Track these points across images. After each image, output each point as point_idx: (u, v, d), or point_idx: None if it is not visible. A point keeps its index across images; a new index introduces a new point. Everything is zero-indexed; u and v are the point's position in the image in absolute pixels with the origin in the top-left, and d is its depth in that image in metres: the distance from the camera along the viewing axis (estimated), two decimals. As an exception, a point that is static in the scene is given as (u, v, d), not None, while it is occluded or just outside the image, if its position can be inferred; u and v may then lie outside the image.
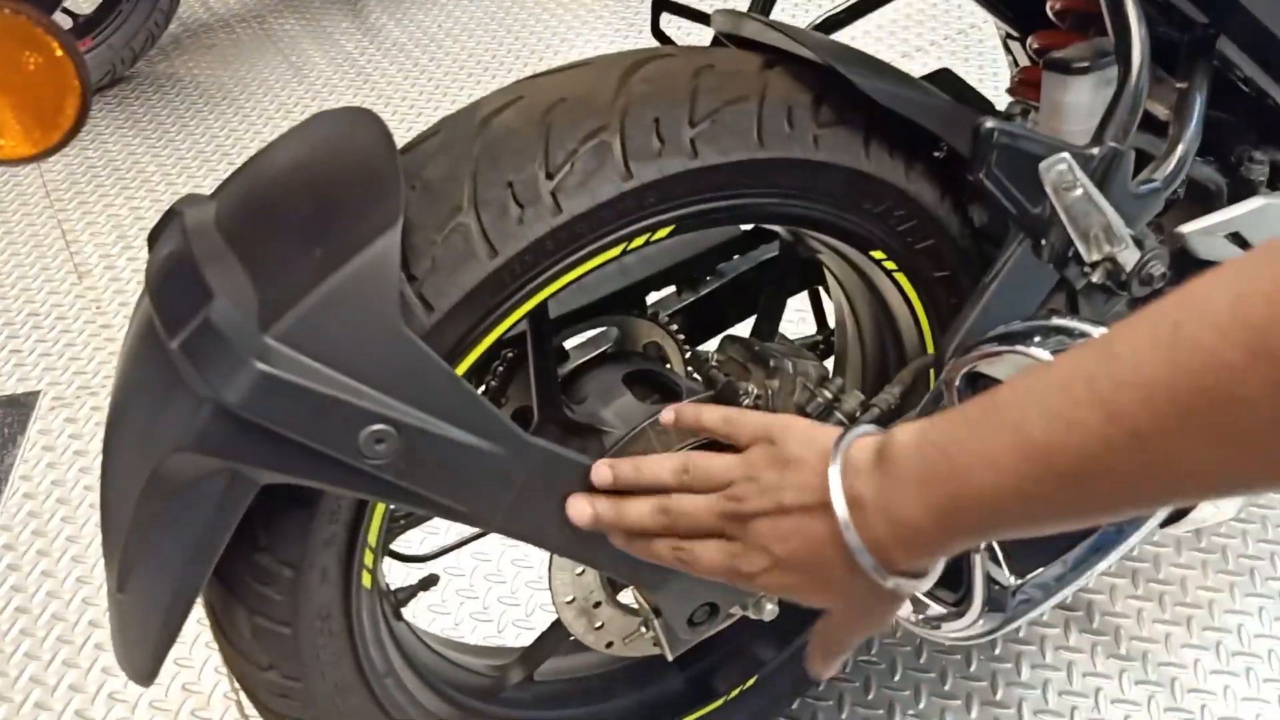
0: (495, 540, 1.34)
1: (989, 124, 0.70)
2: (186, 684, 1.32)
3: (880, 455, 0.55)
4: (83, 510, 1.57)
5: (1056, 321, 0.69)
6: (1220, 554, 1.33)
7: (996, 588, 0.70)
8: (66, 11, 2.52)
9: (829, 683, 1.24)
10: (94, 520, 1.55)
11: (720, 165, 0.76)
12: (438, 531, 1.37)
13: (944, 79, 1.14)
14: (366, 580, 0.80)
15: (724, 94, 0.76)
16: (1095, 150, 0.71)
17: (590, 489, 0.69)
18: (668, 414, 0.74)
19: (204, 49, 2.71)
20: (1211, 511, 0.82)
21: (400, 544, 0.99)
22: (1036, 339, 0.67)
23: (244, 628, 0.78)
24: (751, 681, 1.11)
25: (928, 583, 0.58)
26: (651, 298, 1.08)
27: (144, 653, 0.72)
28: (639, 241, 0.77)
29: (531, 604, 1.36)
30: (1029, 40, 1.02)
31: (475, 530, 1.12)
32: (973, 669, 1.24)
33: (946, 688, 1.22)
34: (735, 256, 1.10)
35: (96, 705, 1.31)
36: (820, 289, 1.17)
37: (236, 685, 1.25)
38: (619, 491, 0.68)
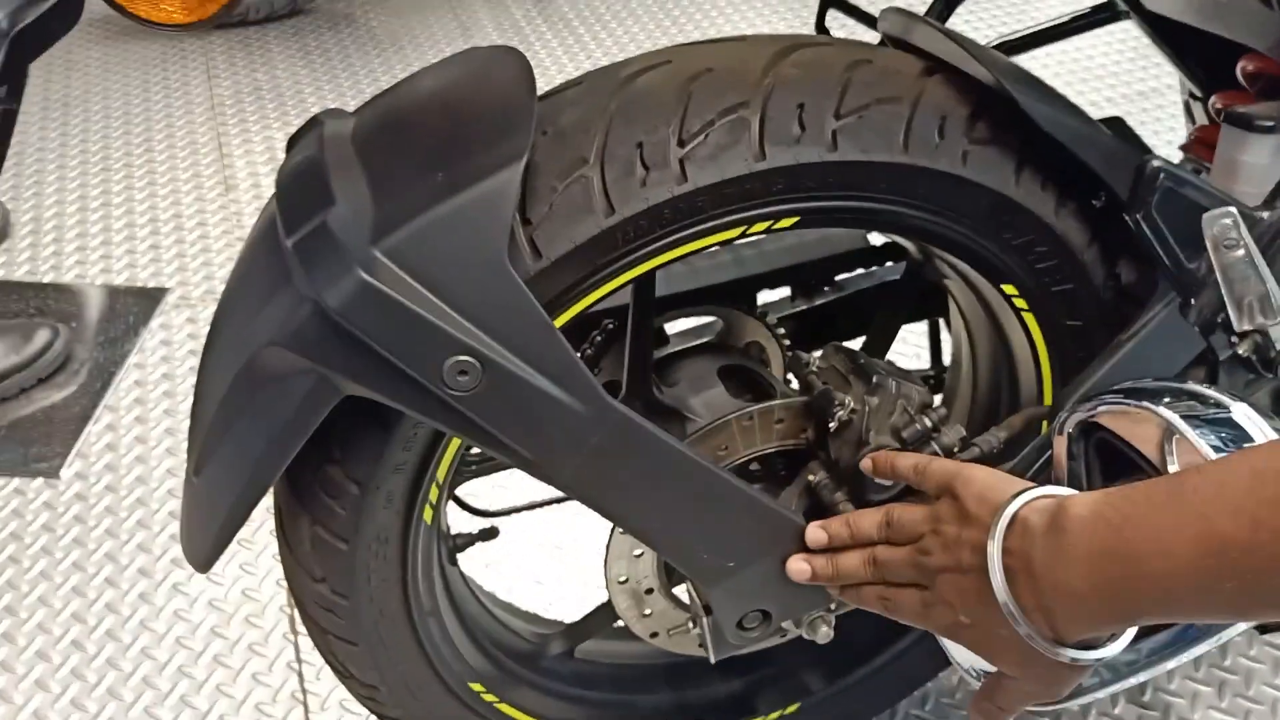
0: (560, 515, 1.34)
1: (1155, 163, 0.65)
2: (247, 589, 1.35)
3: (1054, 522, 0.55)
4: (186, 406, 1.63)
5: (1191, 386, 0.64)
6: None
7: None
8: (261, -59, 2.64)
9: (874, 729, 1.19)
10: (194, 418, 1.61)
11: (859, 163, 0.73)
12: (507, 487, 1.38)
13: (1115, 126, 1.08)
14: (428, 515, 0.80)
15: (876, 91, 0.73)
16: (1266, 214, 0.65)
17: (662, 475, 0.70)
18: (866, 462, 0.77)
19: (382, -4, 2.80)
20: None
21: (469, 496, 0.99)
22: (1167, 399, 0.62)
23: (305, 536, 0.78)
24: (793, 709, 1.08)
25: (1107, 653, 0.55)
26: (764, 299, 1.05)
27: (206, 539, 0.73)
28: (760, 227, 0.75)
29: (586, 587, 1.34)
30: (1211, 100, 0.95)
31: (545, 495, 1.12)
32: (1026, 743, 1.17)
33: (996, 759, 1.16)
34: (858, 270, 1.06)
35: (160, 592, 1.36)
36: (940, 321, 1.13)
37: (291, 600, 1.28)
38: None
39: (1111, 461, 0.64)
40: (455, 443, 0.77)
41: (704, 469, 0.71)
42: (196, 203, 2.08)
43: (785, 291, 1.08)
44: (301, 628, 1.29)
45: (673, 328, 1.04)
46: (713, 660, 0.85)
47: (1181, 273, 0.67)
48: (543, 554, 1.38)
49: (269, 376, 0.66)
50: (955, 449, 0.80)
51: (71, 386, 1.67)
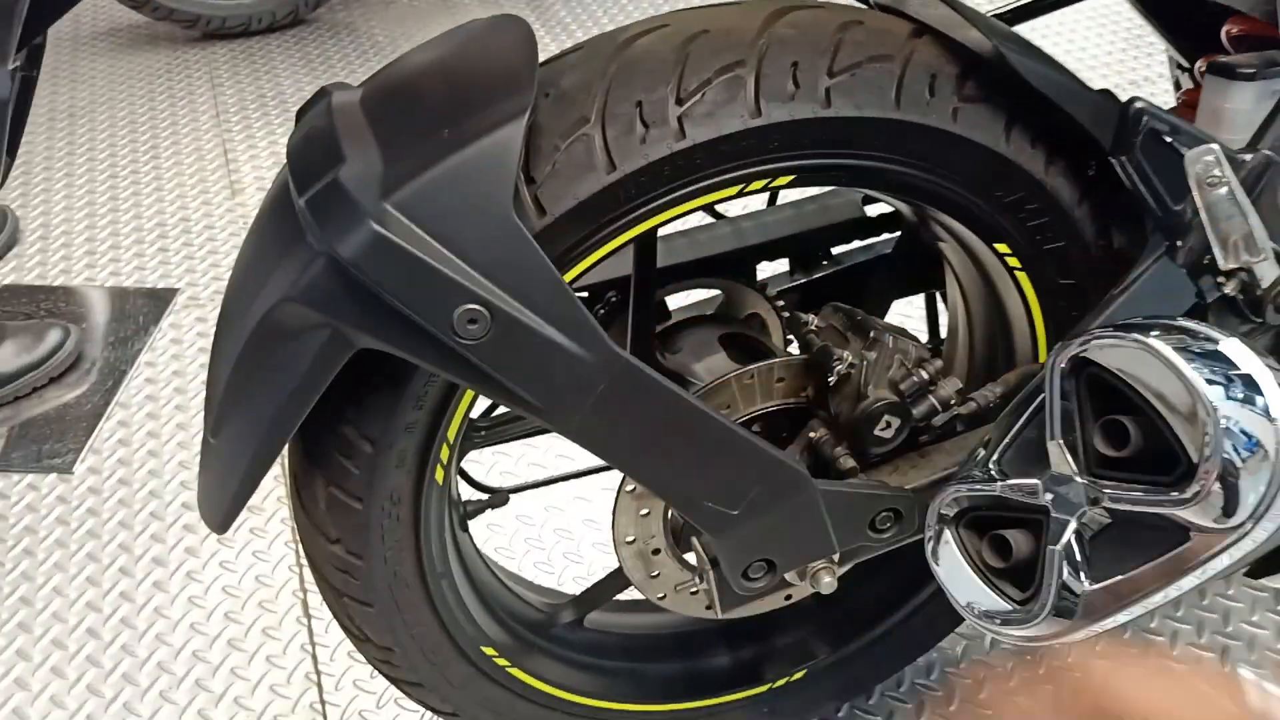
0: (566, 492, 1.36)
1: (1139, 104, 0.67)
2: (260, 575, 1.37)
3: None
4: (196, 402, 1.65)
5: (1182, 322, 0.66)
6: (1326, 648, 1.23)
7: (1068, 593, 0.67)
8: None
9: (880, 699, 1.20)
10: (204, 413, 1.63)
11: (852, 119, 0.75)
12: (510, 455, 1.40)
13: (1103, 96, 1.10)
14: (439, 475, 0.82)
15: (868, 50, 0.76)
16: (1249, 156, 0.67)
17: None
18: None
19: (383, 4, 2.84)
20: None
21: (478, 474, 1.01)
22: (1156, 333, 0.64)
23: (320, 497, 0.80)
24: (800, 674, 1.09)
25: None
26: (765, 274, 1.07)
27: (224, 500, 0.75)
28: (757, 185, 0.77)
29: (594, 564, 1.36)
30: (1197, 64, 0.97)
31: (549, 474, 1.14)
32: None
33: (1004, 727, 1.17)
34: (855, 243, 1.08)
35: (174, 580, 1.37)
36: (937, 296, 1.15)
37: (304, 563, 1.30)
38: None
39: (1103, 400, 0.66)
40: (465, 402, 0.79)
41: (709, 417, 0.73)
42: (203, 207, 2.11)
43: (785, 266, 1.10)
44: (315, 612, 1.31)
45: (676, 303, 1.06)
46: (719, 614, 0.87)
47: (1167, 214, 0.69)
48: (551, 537, 1.40)
49: (283, 334, 0.68)
50: (952, 401, 0.82)
51: (83, 385, 1.69)
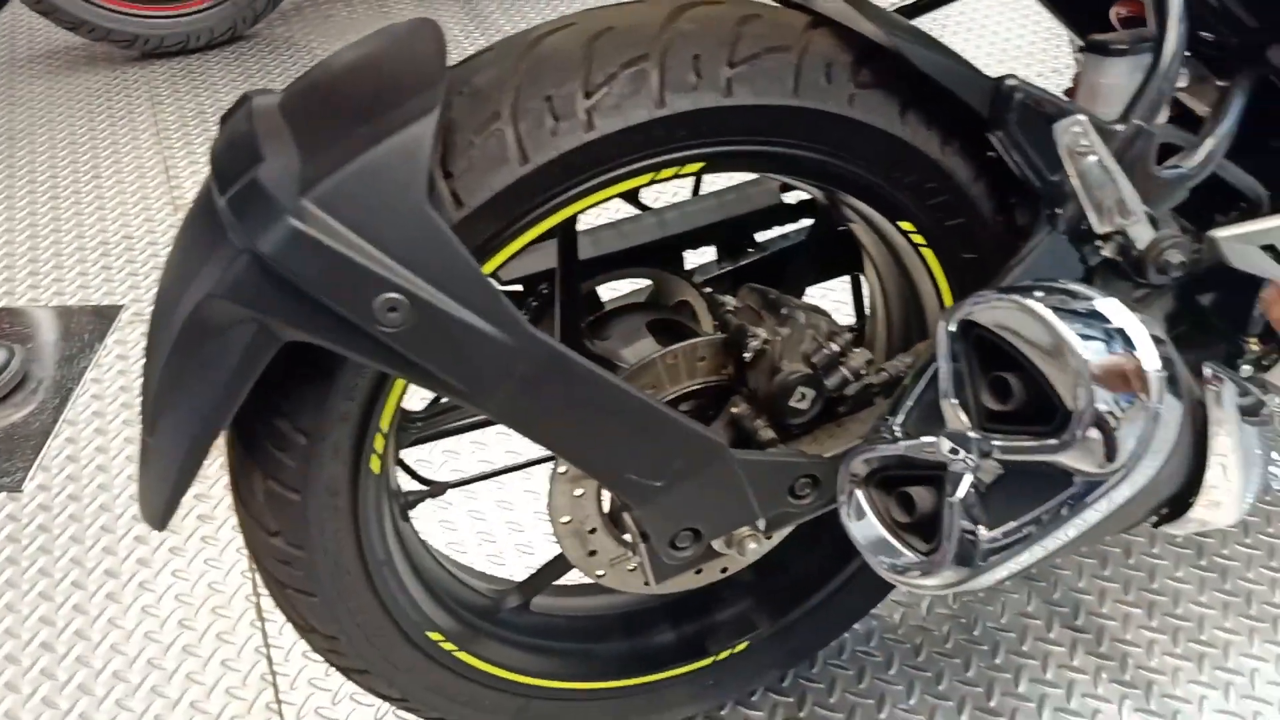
0: (517, 486, 1.38)
1: (1010, 81, 0.72)
2: (213, 582, 1.38)
3: None
4: (144, 416, 1.66)
5: (1064, 284, 0.71)
6: (1245, 598, 1.30)
7: (969, 539, 0.71)
8: (199, -32, 2.68)
9: (822, 667, 1.24)
10: (153, 427, 1.64)
11: (753, 107, 0.79)
12: (459, 454, 1.42)
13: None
14: (375, 465, 0.85)
15: (766, 42, 0.80)
16: (1121, 127, 0.72)
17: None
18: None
19: (321, 18, 2.85)
20: (1206, 514, 0.81)
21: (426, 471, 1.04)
22: (1036, 294, 0.68)
23: (258, 490, 0.83)
24: (742, 646, 1.13)
25: None
26: (694, 263, 1.11)
27: (160, 496, 0.77)
28: (667, 173, 0.81)
29: (547, 555, 1.39)
30: (1086, 42, 1.03)
31: (495, 466, 1.17)
32: (969, 674, 1.23)
33: (940, 688, 1.21)
34: (776, 230, 1.13)
35: (127, 591, 1.39)
36: (862, 279, 1.19)
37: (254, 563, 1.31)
38: None
39: (990, 358, 0.71)
40: (396, 392, 0.82)
41: (626, 393, 0.77)
42: (146, 224, 2.12)
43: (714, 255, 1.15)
44: (269, 615, 1.33)
45: (609, 294, 1.10)
46: (653, 585, 0.90)
47: (1046, 186, 0.73)
48: (496, 512, 1.43)
49: (210, 330, 0.70)
50: (862, 371, 0.87)
51: (31, 405, 1.70)
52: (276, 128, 0.72)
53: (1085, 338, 0.67)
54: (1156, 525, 0.85)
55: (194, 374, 0.73)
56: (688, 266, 1.11)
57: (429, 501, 1.04)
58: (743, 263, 1.13)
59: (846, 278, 1.17)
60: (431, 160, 0.73)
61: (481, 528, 1.43)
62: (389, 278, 0.67)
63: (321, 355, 0.74)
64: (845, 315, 1.20)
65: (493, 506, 1.45)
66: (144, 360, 0.79)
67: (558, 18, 0.82)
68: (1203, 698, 1.19)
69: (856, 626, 1.26)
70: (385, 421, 0.83)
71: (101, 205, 2.18)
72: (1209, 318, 1.02)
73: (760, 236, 1.15)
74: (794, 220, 1.11)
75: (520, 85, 0.76)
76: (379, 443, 0.84)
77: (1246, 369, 1.02)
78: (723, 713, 1.20)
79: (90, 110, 2.51)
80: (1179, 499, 0.82)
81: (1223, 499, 0.80)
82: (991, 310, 0.69)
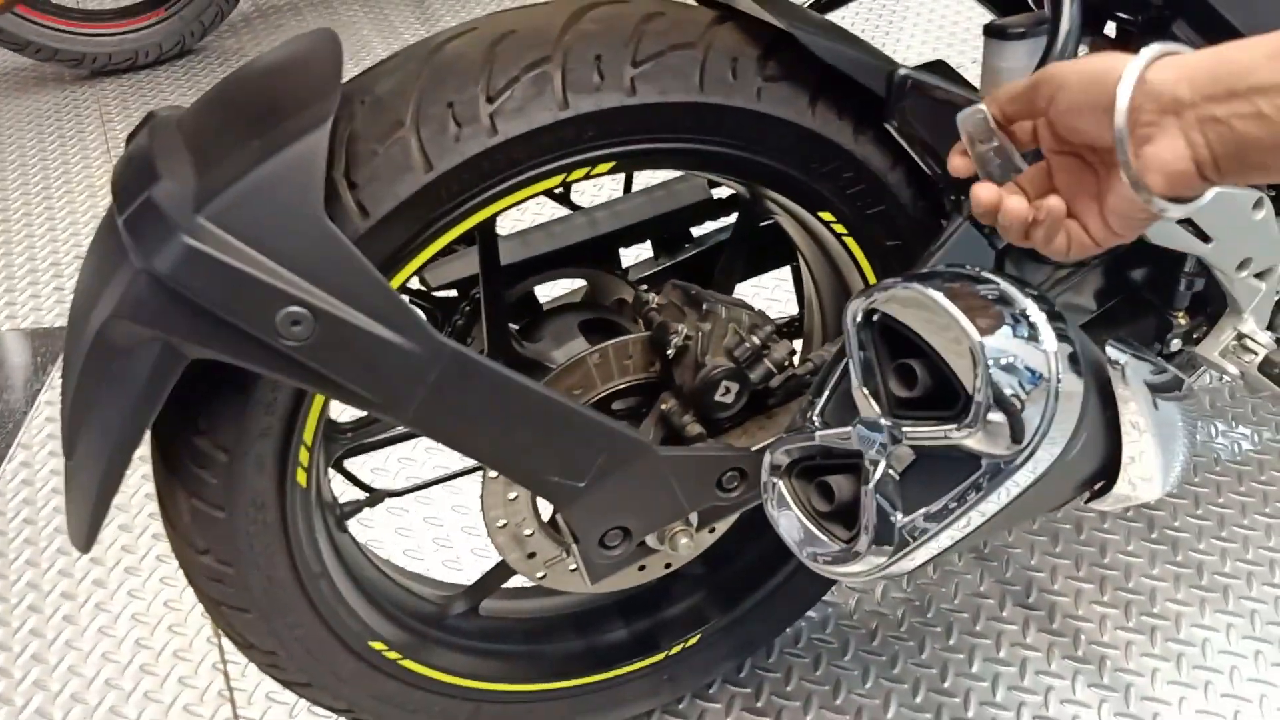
0: (474, 490, 1.38)
1: (903, 72, 0.72)
2: (169, 600, 1.38)
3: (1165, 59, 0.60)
4: (98, 437, 1.65)
5: (967, 270, 0.71)
6: (1196, 569, 1.31)
7: (886, 525, 0.72)
8: (144, -19, 2.67)
9: (779, 655, 1.25)
10: (108, 447, 1.63)
11: (659, 104, 0.79)
12: (414, 462, 1.42)
13: (938, 69, 1.16)
14: (301, 478, 0.84)
15: (670, 39, 0.80)
16: (1017, 109, 0.72)
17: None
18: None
19: (271, 29, 2.84)
20: (1130, 490, 0.82)
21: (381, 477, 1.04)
22: (935, 280, 0.69)
23: (184, 509, 0.83)
24: (695, 639, 1.13)
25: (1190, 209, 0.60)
26: (631, 260, 1.11)
27: (83, 518, 0.77)
28: (579, 174, 0.81)
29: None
30: (985, 28, 1.03)
31: (435, 475, 1.17)
32: (924, 656, 1.24)
33: (895, 671, 1.22)
34: (709, 225, 1.13)
35: (83, 613, 1.38)
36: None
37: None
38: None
39: (896, 346, 0.71)
40: (318, 404, 0.82)
41: (540, 395, 0.77)
42: (99, 243, 2.10)
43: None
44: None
45: (549, 295, 1.10)
46: (590, 585, 0.90)
47: (945, 174, 0.74)
48: (451, 517, 1.43)
49: (116, 350, 0.70)
50: (786, 363, 0.87)
51: (-17, 430, 1.68)
52: (174, 144, 0.72)
53: (979, 319, 0.67)
54: (1088, 502, 0.86)
55: (104, 395, 0.72)
56: (626, 264, 1.12)
57: (384, 507, 1.04)
58: (672, 259, 1.13)
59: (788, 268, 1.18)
60: (333, 169, 0.73)
61: (437, 533, 1.43)
62: (289, 291, 0.67)
63: (236, 370, 0.74)
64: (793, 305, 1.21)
65: (447, 511, 1.45)
66: (61, 384, 0.79)
67: (460, 24, 0.82)
68: (1155, 670, 1.20)
69: (811, 613, 1.27)
70: (309, 434, 0.83)
71: (53, 225, 2.17)
72: (1136, 294, 1.03)
73: (697, 231, 1.16)
74: (725, 214, 1.11)
75: (422, 92, 0.76)
76: (304, 456, 0.83)
77: (1176, 343, 1.03)
78: (681, 706, 1.21)
79: (40, 130, 2.49)
80: (1103, 475, 0.82)
81: (1143, 474, 0.81)
82: (891, 298, 0.70)
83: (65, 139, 2.45)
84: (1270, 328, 1.03)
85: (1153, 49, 0.60)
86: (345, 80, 0.78)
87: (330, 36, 0.75)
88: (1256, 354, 0.97)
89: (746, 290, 1.12)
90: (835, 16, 1.08)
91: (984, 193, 0.66)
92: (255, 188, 0.67)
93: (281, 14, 2.90)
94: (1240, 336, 0.99)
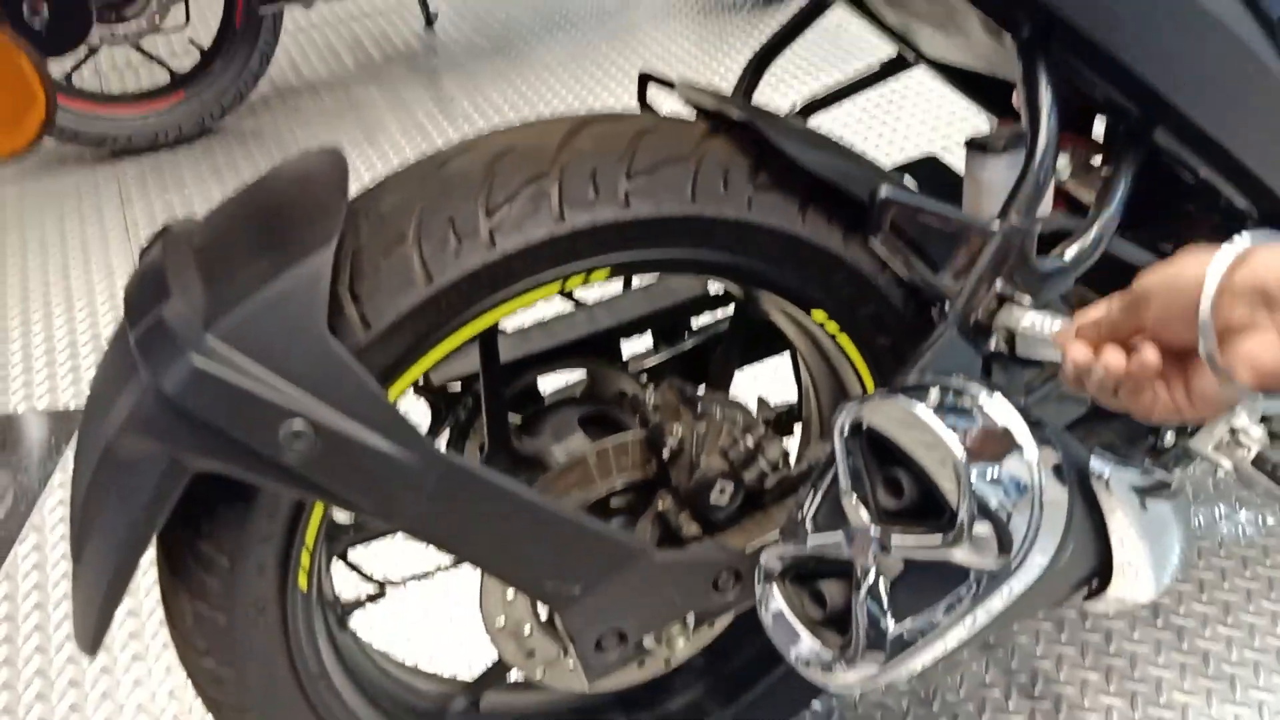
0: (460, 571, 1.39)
1: (884, 191, 0.75)
2: (174, 689, 1.38)
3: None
4: (108, 519, 1.66)
5: (953, 380, 0.73)
6: (1202, 659, 1.30)
7: (877, 636, 0.72)
8: (165, 67, 2.75)
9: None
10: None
11: (652, 218, 0.82)
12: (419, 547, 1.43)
13: (928, 165, 1.19)
14: (303, 581, 0.86)
15: (662, 153, 0.83)
16: (996, 226, 0.75)
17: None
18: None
19: (289, 110, 2.92)
20: (1127, 591, 0.82)
21: (369, 565, 1.05)
22: (921, 393, 0.70)
23: (186, 611, 0.84)
24: (695, 734, 1.13)
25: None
26: (633, 350, 1.13)
27: (89, 622, 0.78)
28: (575, 282, 0.83)
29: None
30: (966, 141, 1.06)
31: (441, 561, 1.18)
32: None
33: (899, 764, 1.21)
34: (707, 316, 1.15)
35: (89, 702, 1.38)
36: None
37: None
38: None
39: (884, 456, 0.72)
40: (319, 508, 0.84)
41: (534, 503, 0.78)
42: (114, 323, 2.14)
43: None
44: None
45: (551, 385, 1.12)
46: (586, 687, 0.91)
47: (929, 286, 0.76)
48: (443, 616, 1.43)
49: (125, 462, 0.72)
50: (779, 463, 0.88)
51: (-4, 512, 1.70)
52: (185, 261, 0.75)
53: (963, 434, 0.68)
54: (1086, 600, 0.86)
55: (112, 504, 0.74)
56: (627, 352, 1.14)
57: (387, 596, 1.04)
58: (676, 350, 1.15)
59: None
60: (339, 283, 0.75)
61: (442, 618, 1.43)
62: (292, 407, 0.69)
63: (240, 479, 0.76)
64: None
65: (453, 595, 1.45)
66: (70, 489, 0.81)
67: (461, 140, 0.85)
68: (1161, 762, 1.19)
69: (815, 704, 1.26)
70: (310, 538, 0.84)
71: (70, 306, 2.21)
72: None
73: (697, 320, 1.18)
74: (723, 307, 1.14)
75: (424, 207, 0.79)
76: (305, 559, 0.85)
77: (1170, 437, 1.04)
78: (683, 799, 1.19)
79: (61, 211, 2.56)
80: (1098, 575, 0.83)
81: (1136, 577, 0.81)
82: (876, 411, 0.71)
83: (85, 219, 2.52)
84: (1264, 421, 1.04)
85: (1235, 245, 0.60)
86: (353, 195, 0.81)
87: (337, 155, 0.78)
88: (1249, 449, 0.97)
89: (751, 371, 1.14)
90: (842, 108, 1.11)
91: (1079, 353, 0.65)
92: (262, 306, 0.69)
93: (299, 95, 2.98)
94: (1233, 431, 0.99)
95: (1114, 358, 0.64)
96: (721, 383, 1.07)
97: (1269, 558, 1.40)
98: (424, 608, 1.44)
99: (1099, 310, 0.67)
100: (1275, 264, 0.59)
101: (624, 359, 1.13)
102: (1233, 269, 0.60)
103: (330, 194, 0.75)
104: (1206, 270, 0.60)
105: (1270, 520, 1.45)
